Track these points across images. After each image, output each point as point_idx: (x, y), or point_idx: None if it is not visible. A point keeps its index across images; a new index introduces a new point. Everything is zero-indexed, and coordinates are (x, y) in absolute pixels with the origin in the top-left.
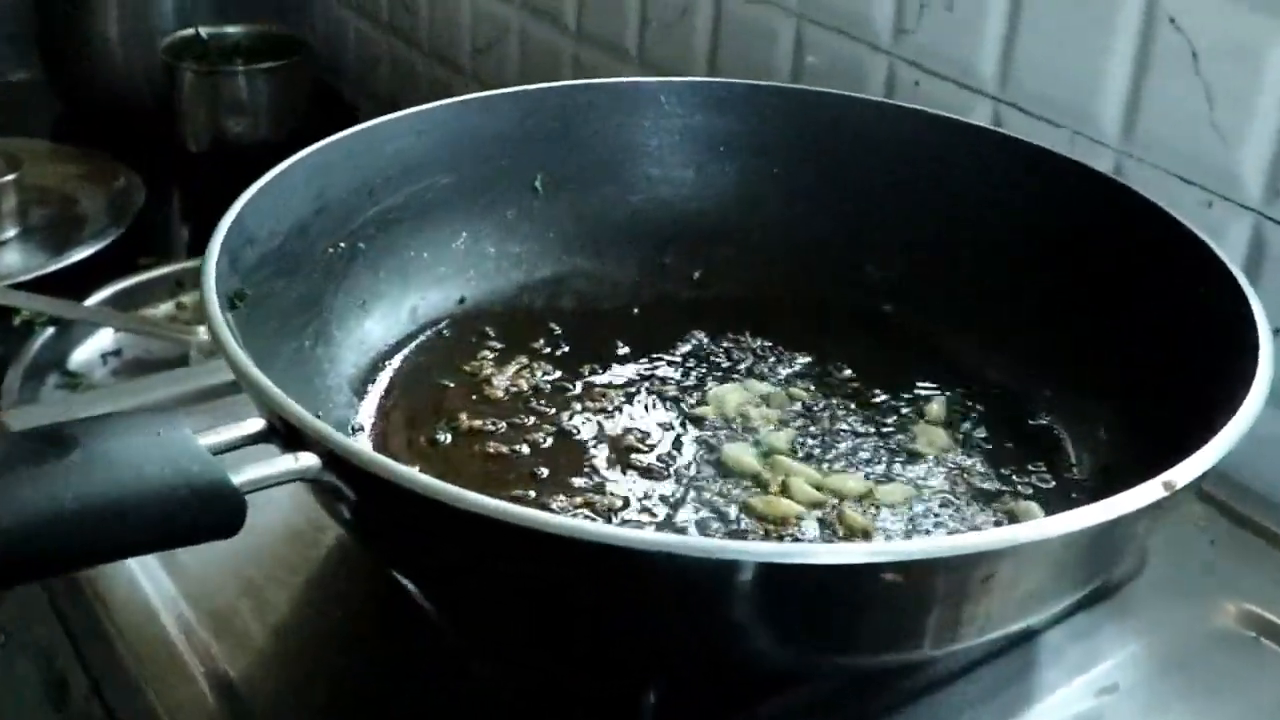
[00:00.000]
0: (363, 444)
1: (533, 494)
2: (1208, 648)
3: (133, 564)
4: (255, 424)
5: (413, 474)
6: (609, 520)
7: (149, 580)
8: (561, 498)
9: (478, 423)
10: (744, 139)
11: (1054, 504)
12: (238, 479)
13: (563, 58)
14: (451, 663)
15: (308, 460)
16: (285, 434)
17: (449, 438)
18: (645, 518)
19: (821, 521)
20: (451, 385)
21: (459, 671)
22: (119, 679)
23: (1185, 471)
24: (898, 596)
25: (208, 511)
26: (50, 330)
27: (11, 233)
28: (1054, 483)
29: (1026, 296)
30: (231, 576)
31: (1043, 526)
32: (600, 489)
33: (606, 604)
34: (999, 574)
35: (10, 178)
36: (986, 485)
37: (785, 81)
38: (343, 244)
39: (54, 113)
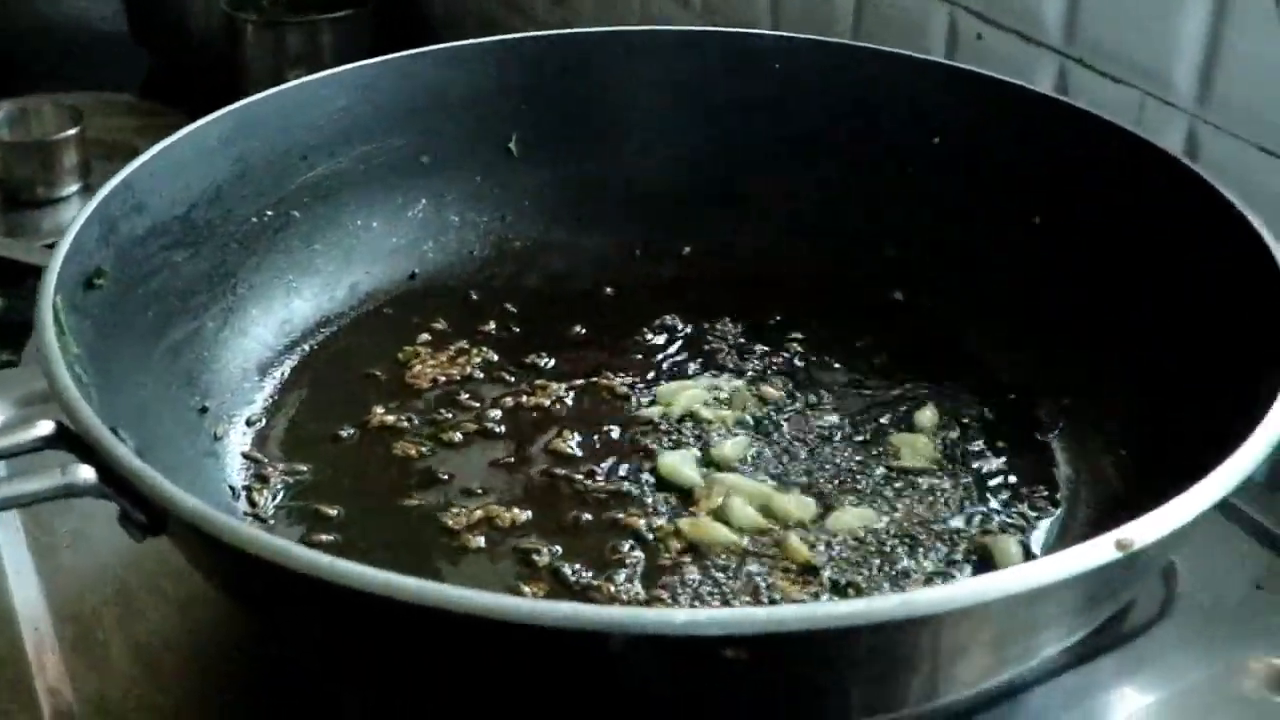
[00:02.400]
0: (243, 440)
1: (424, 503)
2: (1232, 716)
3: (4, 558)
4: (46, 426)
5: (181, 497)
6: (501, 540)
7: (16, 576)
8: (458, 510)
9: (390, 418)
10: (750, 98)
11: (1046, 542)
12: None
13: (631, 5)
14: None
15: (81, 474)
16: (71, 438)
17: (355, 434)
18: (541, 543)
19: (756, 553)
20: (376, 373)
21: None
22: None
23: (1148, 529)
24: (752, 672)
25: None
26: None
27: (74, 188)
28: (1055, 511)
29: (1061, 288)
30: (107, 580)
31: (915, 601)
32: (507, 501)
33: (374, 648)
34: (889, 649)
35: (71, 133)
36: (965, 512)
37: (847, 36)
38: (270, 212)
39: (144, 66)
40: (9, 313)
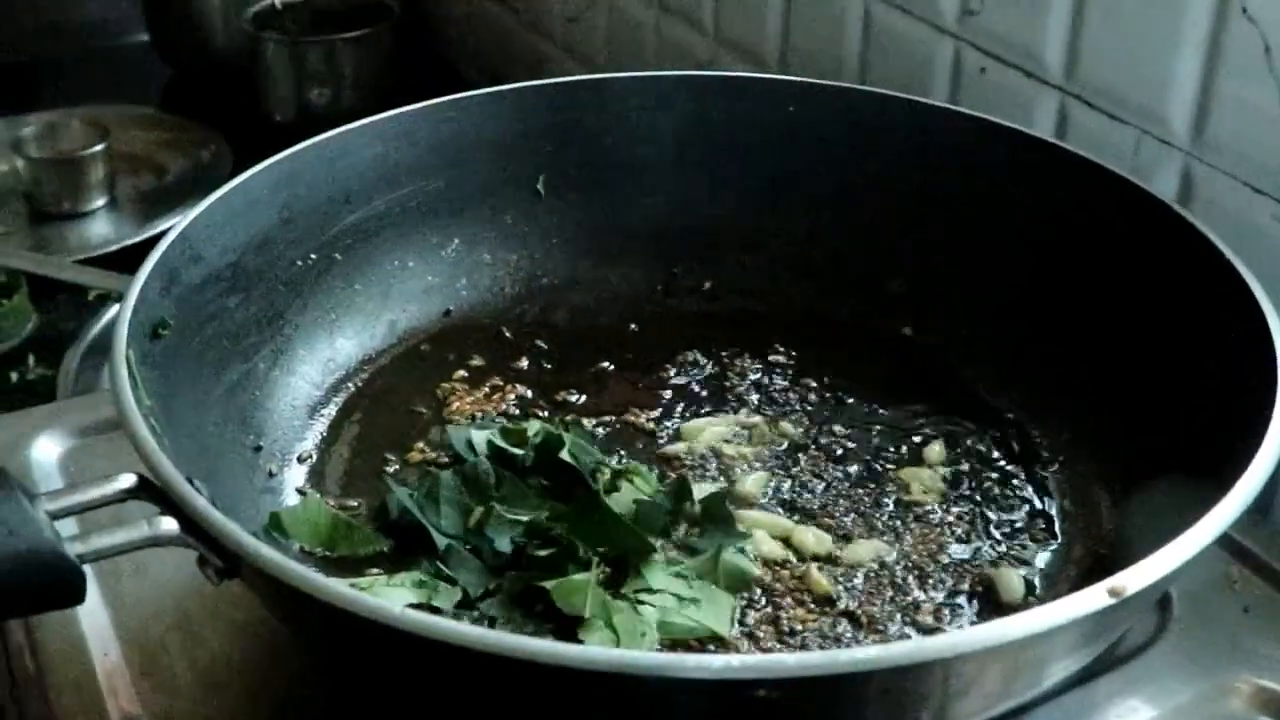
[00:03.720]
0: (298, 477)
1: None
2: None
3: None
4: (128, 479)
5: (257, 547)
6: None
7: (84, 605)
8: None
9: (433, 454)
10: (767, 140)
11: (1046, 572)
12: (80, 548)
13: (646, 29)
14: None
15: (164, 525)
16: (152, 490)
17: (398, 469)
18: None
19: (778, 584)
20: (419, 409)
21: None
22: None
23: (1139, 576)
24: (780, 708)
25: (36, 584)
26: (116, 307)
27: (100, 202)
28: (1054, 542)
29: (1060, 329)
30: (170, 609)
31: (925, 647)
32: None
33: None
34: (902, 688)
35: (99, 148)
36: (970, 544)
37: (855, 68)
38: (314, 255)
39: (165, 78)
40: (44, 328)
